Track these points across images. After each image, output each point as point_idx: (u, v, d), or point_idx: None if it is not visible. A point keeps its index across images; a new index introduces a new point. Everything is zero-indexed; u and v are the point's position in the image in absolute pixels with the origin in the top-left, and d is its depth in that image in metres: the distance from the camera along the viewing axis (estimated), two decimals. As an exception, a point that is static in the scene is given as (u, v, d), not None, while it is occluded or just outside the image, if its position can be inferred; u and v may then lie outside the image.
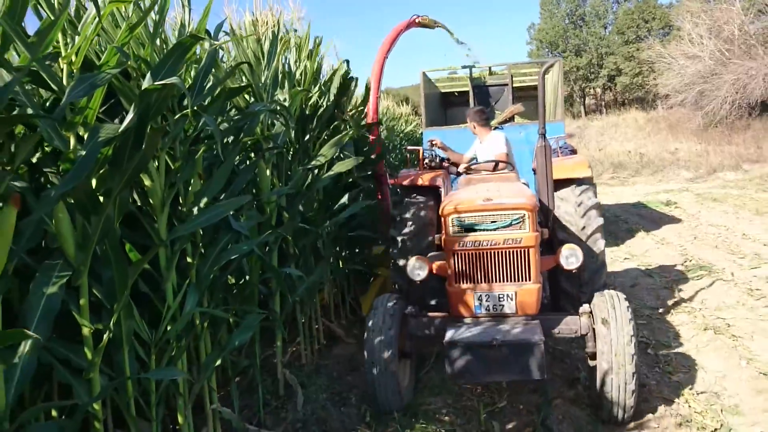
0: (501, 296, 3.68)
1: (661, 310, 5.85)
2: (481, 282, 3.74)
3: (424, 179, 4.99)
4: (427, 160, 5.34)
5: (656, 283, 6.89)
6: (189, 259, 3.04)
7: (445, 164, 5.40)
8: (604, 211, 4.73)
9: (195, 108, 2.73)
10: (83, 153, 2.12)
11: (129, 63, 2.56)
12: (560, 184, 4.61)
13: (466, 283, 3.76)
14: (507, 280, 3.70)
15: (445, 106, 10.61)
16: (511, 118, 7.88)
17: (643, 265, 7.88)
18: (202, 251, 3.14)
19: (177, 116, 2.72)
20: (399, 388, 3.77)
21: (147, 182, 2.75)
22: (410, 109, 19.74)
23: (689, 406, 3.82)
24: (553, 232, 4.44)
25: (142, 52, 2.79)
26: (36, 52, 2.05)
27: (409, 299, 4.26)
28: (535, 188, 4.85)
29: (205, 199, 2.99)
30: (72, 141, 2.29)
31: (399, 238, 4.79)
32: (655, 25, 35.22)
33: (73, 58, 2.33)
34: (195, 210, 2.98)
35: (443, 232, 3.83)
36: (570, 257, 3.81)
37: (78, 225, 2.29)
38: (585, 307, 3.80)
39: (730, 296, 6.03)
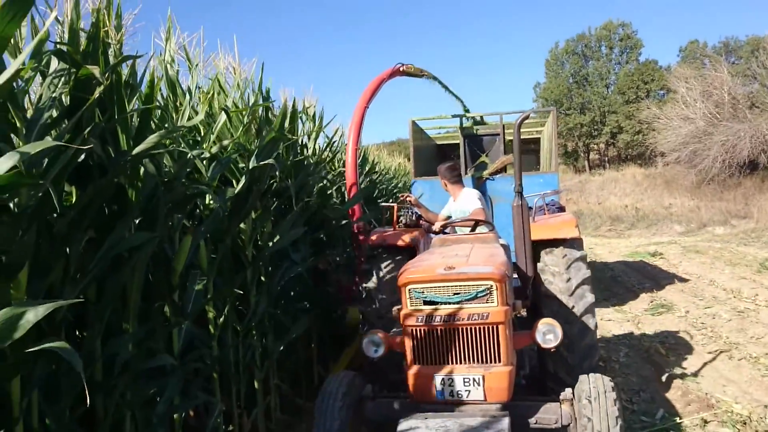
0: (466, 380, 3.16)
1: (620, 337, 7.16)
2: (443, 363, 3.22)
3: (398, 239, 4.61)
4: (402, 218, 5.00)
5: (623, 318, 8.19)
6: (263, 278, 4.46)
7: (422, 222, 5.12)
8: (595, 263, 4.33)
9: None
10: (218, 205, 3.59)
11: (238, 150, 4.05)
12: (545, 244, 4.30)
13: (426, 364, 3.25)
14: (472, 362, 3.19)
15: (437, 156, 10.10)
16: (503, 169, 7.93)
17: (617, 304, 9.19)
18: (270, 272, 4.58)
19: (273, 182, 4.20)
20: None
21: (242, 225, 4.20)
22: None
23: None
24: (535, 304, 4.12)
25: (241, 139, 4.30)
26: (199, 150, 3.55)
27: (370, 377, 3.81)
28: None
29: (278, 237, 4.43)
30: (207, 198, 3.75)
31: (367, 313, 4.51)
32: (653, 87, 37.24)
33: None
34: (270, 244, 4.42)
35: (401, 304, 3.35)
36: (548, 334, 3.32)
37: (207, 250, 3.73)
38: (566, 393, 3.31)
39: (679, 327, 7.33)
